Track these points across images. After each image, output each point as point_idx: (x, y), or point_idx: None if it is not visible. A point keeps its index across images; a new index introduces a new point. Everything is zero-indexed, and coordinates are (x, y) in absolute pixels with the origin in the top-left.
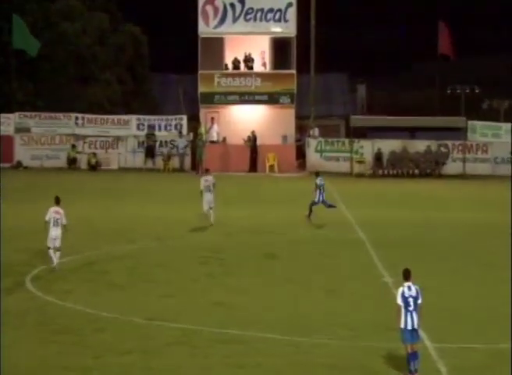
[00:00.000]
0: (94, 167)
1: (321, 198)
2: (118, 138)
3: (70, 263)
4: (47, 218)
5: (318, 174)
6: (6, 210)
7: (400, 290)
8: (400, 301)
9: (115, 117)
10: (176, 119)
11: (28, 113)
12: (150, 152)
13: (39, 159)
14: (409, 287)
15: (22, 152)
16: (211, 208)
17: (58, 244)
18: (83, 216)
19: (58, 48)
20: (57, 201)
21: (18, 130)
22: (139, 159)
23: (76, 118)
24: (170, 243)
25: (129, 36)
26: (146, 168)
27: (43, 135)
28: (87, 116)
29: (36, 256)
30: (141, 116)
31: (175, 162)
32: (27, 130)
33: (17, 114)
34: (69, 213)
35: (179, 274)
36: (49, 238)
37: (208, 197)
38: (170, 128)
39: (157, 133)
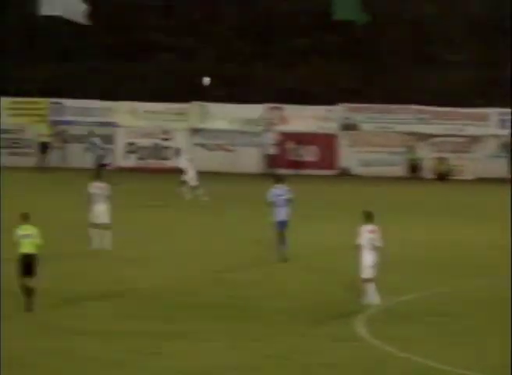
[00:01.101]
0: (442, 177)
1: None
2: (473, 139)
3: (409, 303)
4: (359, 241)
5: None
6: (312, 228)
7: None
8: None
9: (469, 111)
10: None
11: (356, 105)
12: None
13: (370, 166)
14: None
15: (348, 156)
16: None
17: (370, 275)
18: (421, 239)
19: (392, 20)
20: (370, 218)
21: (343, 126)
22: (501, 167)
23: (418, 111)
24: None
25: None
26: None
27: (375, 134)
28: (430, 108)
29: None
30: (504, 110)
31: None
32: (354, 127)
33: (342, 106)
34: (399, 235)
35: None
36: (365, 266)
37: None
38: None
39: None
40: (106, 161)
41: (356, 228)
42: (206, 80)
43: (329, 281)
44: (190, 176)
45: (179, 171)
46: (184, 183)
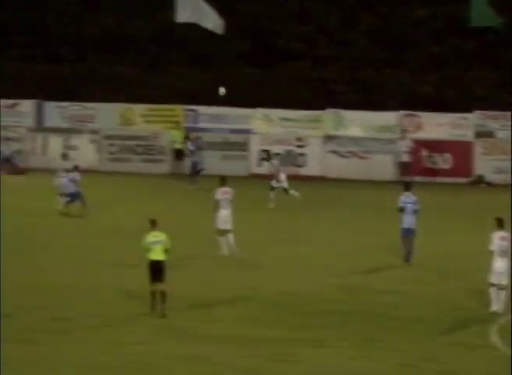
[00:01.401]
0: None
1: None
2: None
3: None
4: (491, 247)
5: None
6: (444, 235)
7: None
8: None
9: None
10: None
11: (491, 113)
12: None
13: (505, 173)
14: None
15: (483, 164)
16: None
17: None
18: None
19: None
20: (502, 225)
21: (478, 134)
22: None
23: None
24: None
25: None
26: None
27: (509, 142)
28: None
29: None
30: None
31: None
32: (490, 134)
33: (477, 113)
34: None
35: None
36: (494, 272)
37: None
38: None
39: None
40: (201, 166)
41: (488, 235)
42: (222, 91)
43: (458, 288)
44: (281, 180)
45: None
46: (274, 189)
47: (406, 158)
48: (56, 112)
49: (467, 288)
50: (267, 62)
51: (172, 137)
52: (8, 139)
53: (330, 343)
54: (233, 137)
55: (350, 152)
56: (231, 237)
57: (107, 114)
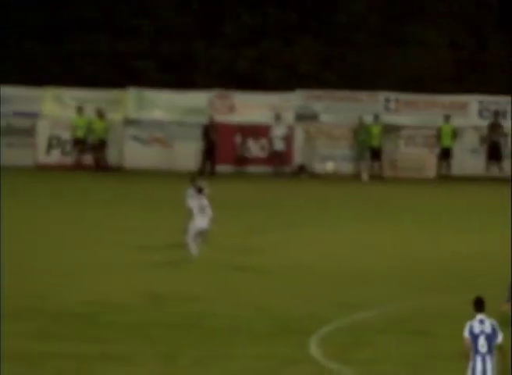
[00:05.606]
0: None
1: None
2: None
3: (375, 319)
4: None
5: None
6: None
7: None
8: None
9: (446, 99)
10: None
11: (314, 92)
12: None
13: (330, 161)
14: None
15: (305, 152)
16: None
17: None
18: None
19: None
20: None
21: (300, 117)
22: (480, 163)
23: (387, 99)
24: None
25: None
26: (488, 176)
27: (336, 125)
28: (402, 96)
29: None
30: (486, 97)
31: None
32: (314, 117)
33: (299, 92)
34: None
35: None
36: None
37: None
38: None
39: (506, 122)
40: None
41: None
42: (330, 166)
43: (284, 294)
44: None
45: None
46: None
47: (280, 146)
48: None
49: (295, 295)
50: (57, 35)
51: None
52: None
53: (132, 359)
54: (17, 122)
55: (152, 138)
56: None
57: None
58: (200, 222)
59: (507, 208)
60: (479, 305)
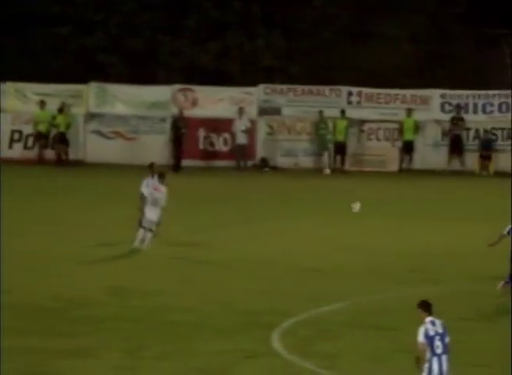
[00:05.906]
0: None
1: None
2: None
3: (339, 313)
4: None
5: None
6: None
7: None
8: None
9: (408, 92)
10: (500, 95)
11: (277, 86)
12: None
13: (293, 156)
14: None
15: (268, 145)
16: None
17: None
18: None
19: None
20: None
21: (263, 111)
22: (442, 157)
23: (349, 93)
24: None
25: None
26: (450, 170)
27: (299, 119)
28: (365, 90)
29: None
30: (447, 91)
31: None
32: (276, 111)
33: (262, 87)
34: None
35: None
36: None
37: None
38: (491, 110)
39: (468, 116)
40: None
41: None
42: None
43: (248, 289)
44: None
45: None
46: None
47: (243, 140)
48: None
49: (259, 289)
50: (20, 29)
51: None
52: None
53: (95, 353)
54: None
55: (114, 133)
56: None
57: None
58: (150, 214)
59: (469, 200)
60: (428, 307)
